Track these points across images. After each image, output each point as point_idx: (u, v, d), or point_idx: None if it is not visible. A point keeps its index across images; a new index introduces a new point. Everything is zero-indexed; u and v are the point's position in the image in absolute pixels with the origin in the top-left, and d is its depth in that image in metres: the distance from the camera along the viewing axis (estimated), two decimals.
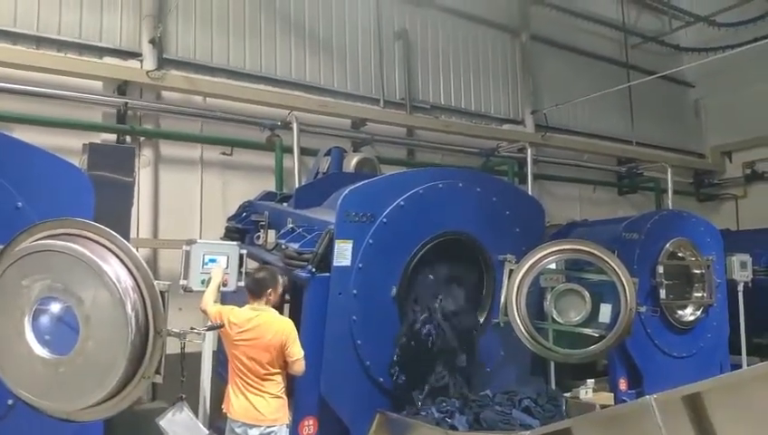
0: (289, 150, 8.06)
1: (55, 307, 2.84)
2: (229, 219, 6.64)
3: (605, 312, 5.43)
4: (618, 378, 6.87)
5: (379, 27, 9.82)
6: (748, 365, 6.87)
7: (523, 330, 5.27)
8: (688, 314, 7.34)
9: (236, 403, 4.29)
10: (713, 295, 7.34)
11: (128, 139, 7.48)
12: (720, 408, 2.80)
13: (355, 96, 9.45)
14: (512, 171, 10.37)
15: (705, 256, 7.39)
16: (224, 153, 8.12)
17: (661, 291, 6.95)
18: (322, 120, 8.76)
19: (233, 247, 4.84)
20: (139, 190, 6.98)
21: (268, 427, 4.23)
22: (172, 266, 6.69)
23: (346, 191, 4.98)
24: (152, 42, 7.61)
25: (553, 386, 6.33)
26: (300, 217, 5.53)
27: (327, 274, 4.81)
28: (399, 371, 4.96)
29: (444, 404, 4.85)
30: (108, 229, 2.90)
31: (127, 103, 7.41)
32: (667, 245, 7.14)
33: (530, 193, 8.91)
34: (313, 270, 4.78)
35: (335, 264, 4.81)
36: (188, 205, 7.86)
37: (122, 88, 7.52)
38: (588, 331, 5.41)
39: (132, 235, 6.26)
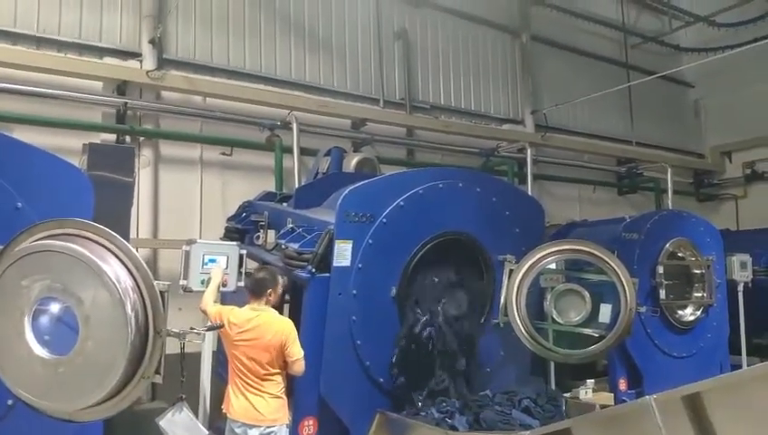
0: (289, 150, 8.06)
1: (55, 307, 2.84)
2: (229, 219, 6.63)
3: (605, 312, 5.42)
4: (618, 378, 6.87)
5: (379, 27, 9.82)
6: (748, 365, 6.88)
7: (523, 330, 5.27)
8: (688, 314, 7.34)
9: (236, 403, 4.29)
10: (713, 295, 7.33)
11: (127, 139, 7.49)
12: (720, 408, 2.80)
13: (355, 96, 9.45)
14: (511, 171, 10.37)
15: (705, 256, 7.39)
16: (223, 153, 8.12)
17: (661, 291, 6.95)
18: (322, 121, 8.76)
19: (232, 248, 4.84)
20: (138, 190, 6.98)
21: (268, 427, 4.23)
22: (172, 266, 6.69)
23: (346, 191, 4.98)
24: (152, 42, 7.61)
25: (553, 386, 6.33)
26: (300, 217, 5.53)
27: (327, 274, 4.81)
28: (399, 372, 4.96)
29: (444, 404, 4.85)
30: (107, 229, 2.90)
31: (126, 103, 7.41)
32: (667, 245, 7.14)
33: (530, 193, 8.91)
34: (313, 270, 4.78)
35: (335, 264, 4.81)
36: (188, 205, 7.86)
37: (122, 88, 7.52)
38: (588, 331, 5.41)
39: (132, 235, 6.26)
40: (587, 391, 6.53)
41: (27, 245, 2.88)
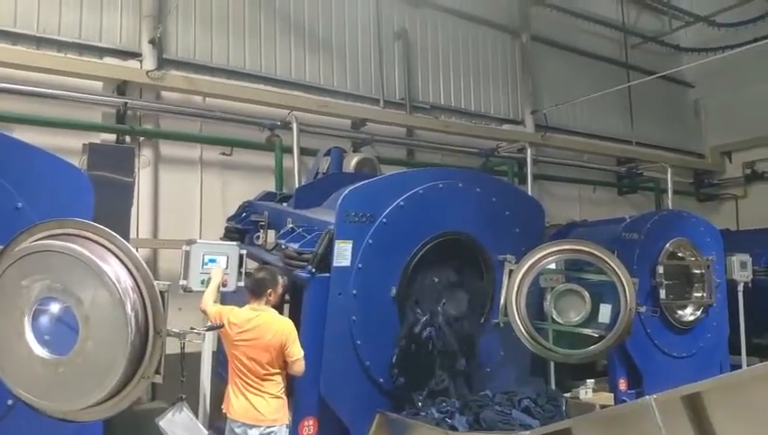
0: (289, 150, 8.06)
1: (55, 307, 2.84)
2: (229, 219, 6.63)
3: (605, 312, 5.42)
4: (617, 378, 6.87)
5: (379, 27, 9.82)
6: (748, 365, 6.88)
7: (523, 330, 5.27)
8: (688, 314, 7.34)
9: (236, 403, 4.29)
10: (713, 295, 7.33)
11: (127, 139, 7.49)
12: (720, 408, 2.80)
13: (355, 96, 9.45)
14: (511, 171, 10.37)
15: (705, 256, 7.39)
16: (223, 153, 8.12)
17: (661, 291, 6.95)
18: (322, 121, 8.76)
19: (232, 248, 4.84)
20: (138, 190, 6.98)
21: (268, 427, 4.23)
22: (172, 267, 6.69)
23: (346, 191, 4.98)
24: (152, 42, 7.61)
25: (553, 386, 6.34)
26: (300, 217, 5.53)
27: (327, 274, 4.81)
28: (399, 372, 4.96)
29: (444, 404, 4.85)
30: (107, 229, 2.90)
31: (126, 103, 7.42)
32: (667, 245, 7.14)
33: (530, 193, 8.91)
34: (313, 270, 4.78)
35: (335, 264, 4.81)
36: (188, 205, 7.86)
37: (122, 88, 7.52)
38: (588, 331, 5.40)
39: (132, 235, 6.27)
40: (587, 391, 6.53)
41: (27, 245, 2.89)
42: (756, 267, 8.43)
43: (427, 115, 10.17)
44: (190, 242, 4.68)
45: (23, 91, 6.80)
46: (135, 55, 7.68)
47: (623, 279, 5.19)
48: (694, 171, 14.00)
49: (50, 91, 6.95)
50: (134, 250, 2.90)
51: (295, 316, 5.00)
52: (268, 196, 6.93)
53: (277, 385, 4.30)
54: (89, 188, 3.82)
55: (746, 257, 8.18)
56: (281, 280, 4.55)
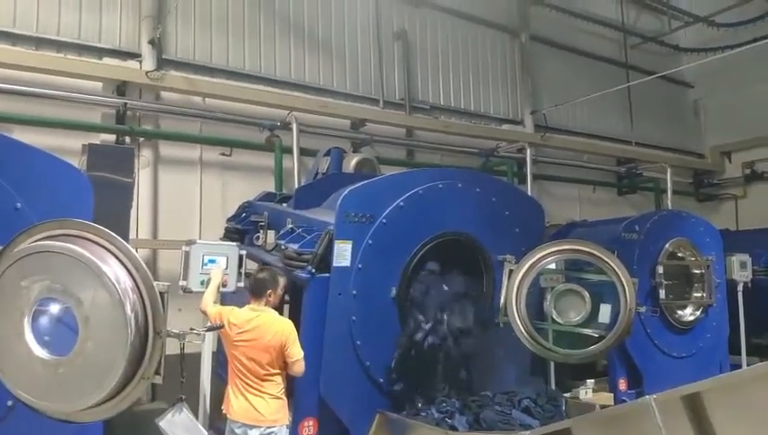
0: (288, 151, 8.06)
1: (54, 308, 2.83)
2: (229, 220, 6.63)
3: (605, 312, 5.41)
4: (617, 378, 6.87)
5: (379, 27, 9.83)
6: (748, 365, 6.87)
7: (523, 330, 5.26)
8: (688, 314, 7.34)
9: (236, 404, 4.29)
10: (712, 295, 7.33)
11: (127, 139, 7.49)
12: (720, 408, 2.80)
13: (354, 96, 9.46)
14: (511, 172, 10.37)
15: (705, 256, 7.38)
16: (223, 154, 8.12)
17: (661, 291, 6.95)
18: (322, 121, 8.76)
19: (232, 248, 4.84)
20: (138, 191, 6.97)
21: (268, 428, 4.23)
22: (171, 267, 6.70)
23: (345, 192, 4.98)
24: (151, 42, 7.61)
25: (553, 386, 6.33)
26: (299, 217, 5.52)
27: (326, 274, 4.80)
28: (398, 378, 4.96)
29: (444, 404, 4.85)
30: (107, 230, 2.89)
31: (126, 104, 7.42)
32: (667, 245, 7.14)
33: (529, 193, 8.91)
34: (313, 271, 4.77)
35: (335, 264, 4.80)
36: (188, 205, 7.86)
37: (121, 88, 7.52)
38: (588, 331, 5.39)
39: (132, 235, 6.27)
40: (587, 391, 6.54)
41: (27, 245, 2.88)
42: (756, 267, 8.43)
43: (427, 115, 10.18)
44: (190, 242, 4.68)
45: (22, 92, 6.80)
46: (134, 56, 7.68)
47: (623, 279, 5.18)
48: (693, 171, 14.01)
49: (49, 91, 6.96)
50: (134, 251, 2.90)
51: (295, 317, 5.00)
52: (268, 196, 6.93)
53: (277, 386, 4.30)
54: (88, 188, 3.81)
55: (746, 257, 8.18)
56: (281, 281, 4.55)
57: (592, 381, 6.81)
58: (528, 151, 10.24)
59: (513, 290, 5.29)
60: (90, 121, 7.27)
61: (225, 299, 4.66)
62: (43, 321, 2.84)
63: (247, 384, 4.26)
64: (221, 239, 6.15)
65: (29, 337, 2.82)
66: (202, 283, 4.56)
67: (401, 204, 5.09)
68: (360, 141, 8.99)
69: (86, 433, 3.50)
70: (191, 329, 3.43)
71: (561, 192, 11.68)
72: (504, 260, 5.50)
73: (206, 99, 8.07)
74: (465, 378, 5.19)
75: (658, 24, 14.04)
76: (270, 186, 7.82)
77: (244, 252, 4.87)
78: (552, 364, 6.59)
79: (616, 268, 5.22)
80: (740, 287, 8.06)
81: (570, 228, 8.63)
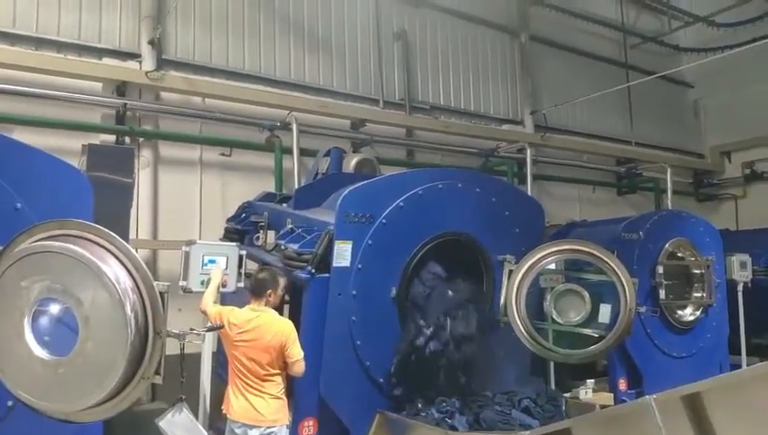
0: (288, 151, 8.06)
1: (54, 308, 2.83)
2: (228, 220, 6.63)
3: (605, 312, 5.41)
4: (617, 378, 6.87)
5: (379, 27, 9.83)
6: (748, 365, 6.87)
7: (523, 330, 5.26)
8: (688, 314, 7.34)
9: (236, 404, 4.29)
10: (712, 296, 7.32)
11: (127, 140, 7.48)
12: (720, 408, 2.80)
13: (354, 97, 9.46)
14: (511, 172, 10.37)
15: (705, 256, 7.38)
16: (223, 154, 8.12)
17: (661, 291, 6.95)
18: (322, 121, 8.76)
19: (232, 248, 4.84)
20: (138, 191, 6.97)
21: (268, 428, 4.23)
22: (171, 267, 6.69)
23: (345, 192, 4.98)
24: (151, 43, 7.61)
25: (553, 386, 6.34)
26: (299, 217, 5.52)
27: (326, 274, 4.80)
28: (398, 383, 4.96)
29: (444, 404, 4.85)
30: (107, 230, 2.89)
31: (126, 104, 7.42)
32: (667, 245, 7.14)
33: (529, 193, 8.91)
34: (313, 271, 4.77)
35: (334, 264, 4.80)
36: (188, 206, 7.86)
37: (121, 89, 7.52)
38: (587, 331, 5.40)
39: (132, 236, 6.27)
40: (587, 391, 6.53)
41: (27, 245, 2.88)
42: (756, 267, 8.43)
43: (427, 115, 10.18)
44: (190, 243, 4.68)
45: (22, 93, 6.80)
46: (134, 56, 7.68)
47: (623, 279, 5.18)
48: (693, 171, 14.01)
49: (49, 92, 6.95)
50: (134, 251, 2.90)
51: (295, 317, 5.00)
52: (268, 196, 6.93)
53: (277, 386, 4.30)
54: (88, 188, 3.81)
55: (746, 257, 8.18)
56: (281, 281, 4.55)
57: (592, 381, 6.81)
58: (528, 151, 10.23)
59: (513, 290, 5.29)
60: (89, 122, 7.27)
61: (225, 299, 4.66)
62: (43, 321, 2.84)
63: (247, 384, 4.26)
64: (221, 239, 6.16)
65: (29, 337, 2.82)
66: (202, 283, 4.56)
67: (401, 204, 5.09)
68: (360, 141, 8.99)
69: (86, 433, 3.50)
70: (191, 329, 3.43)
71: (560, 192, 11.68)
72: (503, 260, 5.50)
73: (206, 99, 8.07)
74: (464, 381, 5.18)
75: (658, 23, 14.04)
76: (270, 186, 7.82)
77: (244, 252, 4.86)
78: (552, 364, 6.59)
79: (616, 268, 5.22)
80: (740, 287, 8.06)
81: (569, 228, 8.63)
